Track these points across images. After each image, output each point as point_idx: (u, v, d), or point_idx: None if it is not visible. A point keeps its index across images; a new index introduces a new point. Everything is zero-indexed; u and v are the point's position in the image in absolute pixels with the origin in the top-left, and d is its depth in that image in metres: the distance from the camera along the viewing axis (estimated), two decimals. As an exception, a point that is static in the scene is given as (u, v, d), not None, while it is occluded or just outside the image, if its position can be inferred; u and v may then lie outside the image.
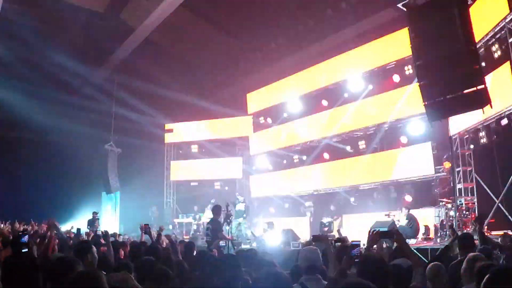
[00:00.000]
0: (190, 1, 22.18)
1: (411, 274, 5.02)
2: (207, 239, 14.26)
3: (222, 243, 13.18)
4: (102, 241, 10.07)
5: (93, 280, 3.66)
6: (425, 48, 13.73)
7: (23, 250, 6.65)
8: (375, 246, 6.50)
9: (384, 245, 10.23)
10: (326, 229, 19.64)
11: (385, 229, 7.20)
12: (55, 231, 8.84)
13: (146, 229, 11.23)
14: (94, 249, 6.66)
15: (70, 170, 27.16)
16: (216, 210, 14.55)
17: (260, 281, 3.81)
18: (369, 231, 6.07)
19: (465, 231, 17.08)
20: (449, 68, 13.13)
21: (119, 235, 17.64)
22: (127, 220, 27.82)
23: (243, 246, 17.99)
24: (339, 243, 7.67)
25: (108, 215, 29.33)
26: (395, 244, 7.54)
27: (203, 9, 24.48)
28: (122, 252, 9.92)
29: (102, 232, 11.91)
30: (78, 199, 27.25)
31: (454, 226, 15.87)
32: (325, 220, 20.63)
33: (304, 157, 26.24)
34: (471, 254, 6.13)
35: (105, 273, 4.06)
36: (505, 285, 3.65)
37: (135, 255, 8.05)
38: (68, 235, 16.12)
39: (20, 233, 7.33)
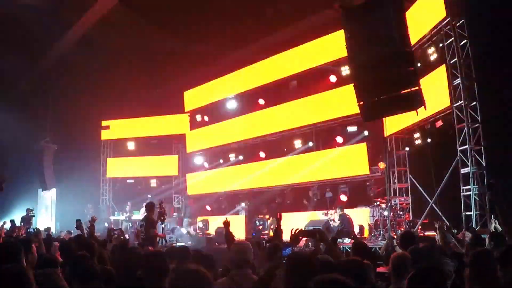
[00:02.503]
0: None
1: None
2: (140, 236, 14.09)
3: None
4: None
5: (19, 276, 3.59)
6: (360, 49, 13.79)
7: None
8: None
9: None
10: (260, 227, 19.64)
11: (310, 229, 7.22)
12: None
13: (77, 224, 11.01)
14: (34, 248, 6.55)
15: (5, 166, 26.47)
16: (149, 207, 14.34)
17: (180, 277, 3.75)
18: (291, 231, 6.05)
19: (399, 231, 17.36)
20: (384, 69, 13.23)
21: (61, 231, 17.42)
22: (63, 217, 27.39)
23: (178, 244, 17.92)
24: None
25: (44, 212, 28.80)
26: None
27: (141, 5, 24.22)
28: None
29: (33, 230, 11.67)
30: (14, 196, 26.57)
31: (387, 226, 16.11)
32: (260, 218, 20.63)
33: (241, 156, 26.22)
34: (396, 253, 6.20)
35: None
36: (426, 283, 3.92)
37: (63, 250, 7.95)
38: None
39: None
